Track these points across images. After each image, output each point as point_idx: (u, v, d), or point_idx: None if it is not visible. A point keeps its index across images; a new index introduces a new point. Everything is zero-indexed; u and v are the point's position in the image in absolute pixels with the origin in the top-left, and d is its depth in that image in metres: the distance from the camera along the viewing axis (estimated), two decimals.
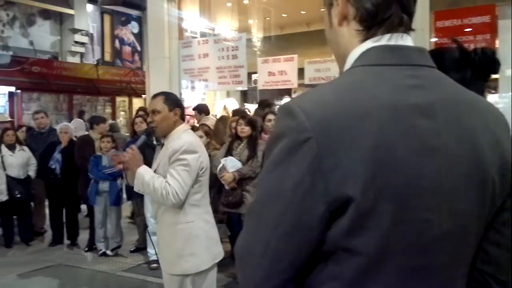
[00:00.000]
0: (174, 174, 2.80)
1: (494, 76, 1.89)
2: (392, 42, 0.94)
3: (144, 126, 5.77)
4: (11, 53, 12.85)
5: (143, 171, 2.87)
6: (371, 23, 0.95)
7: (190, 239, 2.88)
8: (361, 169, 0.82)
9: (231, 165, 4.92)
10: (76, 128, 7.58)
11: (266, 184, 0.89)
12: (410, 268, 0.88)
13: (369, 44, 0.95)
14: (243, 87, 7.09)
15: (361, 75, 0.92)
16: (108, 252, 6.12)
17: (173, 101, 2.98)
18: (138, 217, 6.23)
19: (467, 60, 1.56)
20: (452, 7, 4.85)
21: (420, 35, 4.73)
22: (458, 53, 1.59)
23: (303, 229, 0.85)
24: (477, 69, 1.54)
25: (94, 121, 6.72)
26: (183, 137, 2.91)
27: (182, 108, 3.05)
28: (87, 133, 7.19)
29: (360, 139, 0.83)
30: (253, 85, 8.11)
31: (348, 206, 0.82)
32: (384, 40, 0.94)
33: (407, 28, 0.96)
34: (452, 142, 0.89)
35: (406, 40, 0.95)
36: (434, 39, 4.86)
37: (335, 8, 1.00)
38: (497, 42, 4.66)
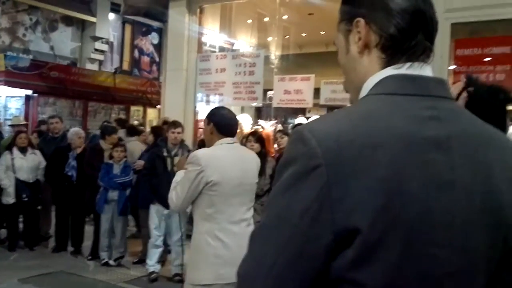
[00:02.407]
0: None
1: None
2: (411, 71, 0.92)
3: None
4: (31, 57, 13.03)
5: (178, 174, 3.08)
6: (395, 51, 0.93)
7: (197, 251, 2.91)
8: (371, 200, 0.79)
9: None
10: None
11: (273, 208, 0.87)
12: None
13: (388, 72, 0.93)
14: (258, 103, 7.09)
15: (377, 104, 0.90)
16: (111, 262, 6.08)
17: (211, 116, 3.07)
18: (144, 228, 6.20)
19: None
20: (473, 36, 4.81)
21: (439, 62, 4.70)
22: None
23: (308, 257, 0.82)
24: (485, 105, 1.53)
25: (106, 132, 6.69)
26: (203, 149, 3.05)
27: (217, 122, 3.01)
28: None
29: (371, 170, 0.80)
30: (268, 102, 8.11)
31: (355, 238, 0.79)
32: (404, 68, 0.92)
33: (427, 57, 0.95)
34: (467, 178, 0.86)
35: (425, 70, 0.93)
36: (452, 67, 4.81)
37: (354, 35, 0.98)
38: None
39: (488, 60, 4.62)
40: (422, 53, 0.94)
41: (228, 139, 3.01)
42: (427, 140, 0.85)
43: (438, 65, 4.69)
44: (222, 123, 3.02)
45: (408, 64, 0.92)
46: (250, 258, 0.88)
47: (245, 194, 3.00)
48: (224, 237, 2.87)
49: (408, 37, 0.92)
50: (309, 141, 0.83)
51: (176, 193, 2.91)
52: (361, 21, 0.96)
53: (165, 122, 7.07)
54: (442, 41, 4.72)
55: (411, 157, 0.83)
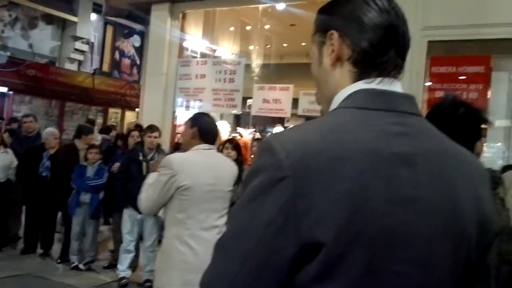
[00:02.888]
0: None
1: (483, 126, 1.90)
2: (381, 87, 0.92)
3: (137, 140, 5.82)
4: (8, 53, 12.81)
5: (151, 176, 3.05)
6: (367, 65, 0.94)
7: (165, 256, 2.90)
8: (336, 214, 0.79)
9: None
10: None
11: (238, 219, 0.87)
12: None
13: (359, 85, 0.93)
14: (237, 111, 7.08)
15: (346, 117, 0.90)
16: (81, 266, 5.97)
17: (196, 120, 3.06)
18: (118, 232, 6.11)
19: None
20: (449, 54, 4.90)
21: (415, 78, 4.77)
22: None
23: (271, 270, 0.82)
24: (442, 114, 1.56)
25: (83, 131, 6.58)
26: (178, 153, 3.05)
27: (201, 129, 3.00)
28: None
29: (337, 183, 0.80)
30: (247, 110, 8.12)
31: (318, 251, 0.79)
32: (374, 83, 0.93)
33: (398, 73, 0.96)
34: (431, 194, 0.87)
35: (395, 86, 0.94)
36: (428, 84, 4.90)
37: (328, 48, 0.98)
38: (489, 93, 4.70)
39: (463, 79, 4.70)
40: (393, 69, 0.94)
41: (205, 145, 3.01)
42: (394, 155, 0.85)
43: (414, 81, 4.76)
44: (206, 130, 3.03)
45: (379, 79, 0.93)
46: (213, 268, 0.88)
47: (217, 201, 2.98)
48: (194, 243, 2.84)
49: (380, 53, 0.93)
50: (277, 152, 0.82)
51: (146, 195, 2.89)
52: (335, 33, 0.97)
53: (138, 126, 7.05)
54: (419, 58, 4.79)
55: (377, 172, 0.83)
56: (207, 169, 2.93)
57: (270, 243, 0.81)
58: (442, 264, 0.88)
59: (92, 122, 10.22)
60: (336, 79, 0.97)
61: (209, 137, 3.05)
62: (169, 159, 2.88)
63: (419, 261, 0.85)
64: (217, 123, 8.31)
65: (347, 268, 0.80)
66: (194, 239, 2.85)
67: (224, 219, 3.04)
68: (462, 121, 1.71)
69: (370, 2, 0.96)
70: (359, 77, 0.94)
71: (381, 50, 0.93)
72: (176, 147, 3.51)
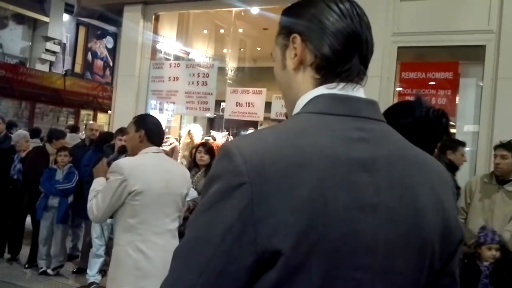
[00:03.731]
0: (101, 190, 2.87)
1: (452, 130, 1.93)
2: (344, 92, 0.91)
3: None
4: None
5: (96, 181, 2.99)
6: (329, 72, 0.93)
7: (117, 264, 2.81)
8: (294, 221, 0.77)
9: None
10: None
11: (195, 226, 0.84)
12: None
13: (321, 90, 0.92)
14: (210, 114, 7.06)
15: (306, 122, 0.88)
16: (49, 271, 5.83)
17: (142, 123, 2.99)
18: (87, 236, 6.01)
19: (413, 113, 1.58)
20: (418, 60, 4.99)
21: (386, 83, 4.84)
22: (410, 106, 1.61)
23: (229, 279, 0.79)
24: (417, 124, 1.56)
25: (54, 136, 6.40)
26: (127, 158, 2.94)
27: (149, 130, 2.96)
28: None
29: (296, 189, 0.79)
30: (220, 113, 8.09)
31: (277, 259, 0.78)
32: (337, 89, 0.91)
33: (361, 80, 0.94)
34: (392, 201, 0.86)
35: (358, 91, 0.93)
36: (398, 89, 4.97)
37: (291, 51, 0.97)
38: (457, 98, 4.80)
39: (432, 84, 4.79)
40: (356, 75, 0.93)
41: (154, 148, 2.96)
42: (354, 161, 0.84)
43: (385, 86, 4.83)
44: (154, 131, 2.99)
45: (342, 84, 0.92)
46: (171, 277, 0.85)
47: (169, 205, 2.92)
48: (146, 249, 2.78)
49: (343, 60, 0.92)
50: (235, 158, 0.81)
51: (96, 203, 2.79)
52: (298, 37, 0.95)
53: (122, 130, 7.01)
54: (389, 63, 4.87)
55: (337, 178, 0.82)
56: (157, 173, 2.88)
57: (227, 252, 0.79)
58: (405, 271, 0.87)
59: (75, 128, 10.01)
60: (299, 84, 0.96)
61: (158, 139, 3.03)
62: (119, 164, 2.80)
63: (380, 269, 0.84)
64: (190, 126, 8.25)
65: (306, 276, 0.79)
66: (146, 244, 2.78)
67: (177, 223, 3.00)
68: (445, 133, 1.72)
69: (333, 7, 0.94)
70: (321, 83, 0.93)
71: (344, 57, 0.92)
72: (122, 151, 3.42)
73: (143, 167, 2.84)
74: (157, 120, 3.13)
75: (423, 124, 1.61)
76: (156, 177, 2.86)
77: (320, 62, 0.93)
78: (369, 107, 0.92)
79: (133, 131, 2.97)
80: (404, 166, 0.90)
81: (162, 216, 2.86)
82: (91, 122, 6.40)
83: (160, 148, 3.06)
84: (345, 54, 0.92)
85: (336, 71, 0.92)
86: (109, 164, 3.05)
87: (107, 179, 2.91)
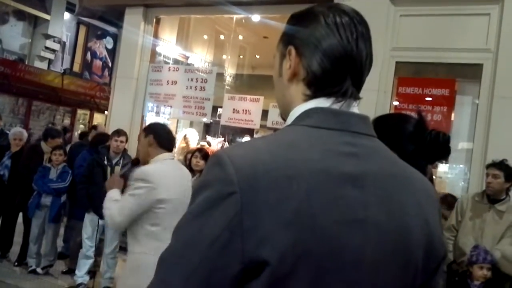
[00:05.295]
0: (121, 198, 2.86)
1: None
2: (336, 106, 0.91)
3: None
4: None
5: (111, 192, 2.98)
6: (318, 91, 0.93)
7: (138, 271, 2.75)
8: (282, 233, 0.78)
9: None
10: None
11: (183, 233, 0.84)
12: None
13: (313, 104, 0.92)
14: (207, 119, 7.08)
15: (298, 135, 0.89)
16: (39, 270, 5.80)
17: (149, 128, 3.04)
18: (77, 237, 5.98)
19: (419, 137, 1.58)
20: (416, 75, 5.02)
21: (383, 97, 4.88)
22: (413, 127, 1.61)
23: (214, 286, 0.79)
24: (425, 149, 1.56)
25: (49, 134, 6.35)
26: (151, 165, 2.92)
27: (157, 134, 2.97)
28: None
29: (285, 201, 0.79)
30: (217, 118, 8.10)
31: (263, 270, 0.78)
32: (329, 102, 0.92)
33: (354, 99, 0.94)
34: (380, 216, 0.86)
35: (351, 106, 0.93)
36: (395, 103, 5.00)
37: (287, 62, 0.97)
38: (453, 115, 4.83)
39: (428, 100, 4.82)
40: (350, 96, 0.93)
41: (169, 155, 2.99)
42: (343, 175, 0.85)
43: (382, 100, 4.86)
44: (163, 137, 3.01)
45: (336, 99, 0.92)
46: (156, 283, 0.85)
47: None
48: None
49: (332, 80, 0.92)
50: (227, 167, 0.81)
51: (120, 210, 2.79)
52: (293, 50, 0.96)
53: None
54: (387, 77, 4.90)
55: (326, 191, 0.82)
56: (178, 180, 2.93)
57: (214, 260, 0.79)
58: (389, 286, 0.88)
59: (65, 130, 10.10)
60: (291, 95, 0.97)
61: (169, 144, 3.04)
62: (147, 172, 2.82)
63: (366, 284, 0.84)
64: (186, 131, 8.24)
65: None
66: None
67: None
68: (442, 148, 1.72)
69: (331, 23, 0.94)
70: (310, 100, 0.94)
71: (334, 77, 0.92)
72: (136, 162, 3.43)
73: (168, 175, 2.88)
74: (166, 126, 3.19)
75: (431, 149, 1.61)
76: (177, 185, 2.90)
77: (310, 79, 0.93)
78: (361, 122, 0.93)
79: (143, 137, 3.01)
80: (393, 182, 0.91)
81: None
82: (97, 123, 6.43)
83: (172, 154, 3.08)
84: (336, 75, 0.92)
85: (325, 91, 0.92)
86: (122, 176, 3.10)
87: (122, 191, 2.96)
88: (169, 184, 2.83)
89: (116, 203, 2.84)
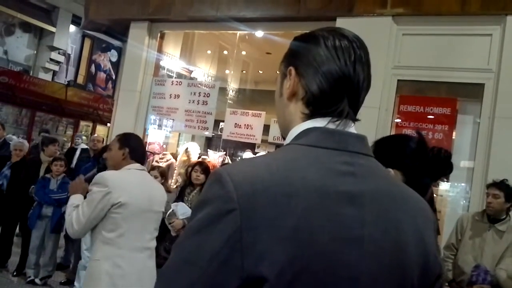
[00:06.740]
0: (80, 205, 2.82)
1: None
2: (332, 126, 0.94)
3: None
4: None
5: (73, 197, 2.95)
6: (316, 111, 0.96)
7: (92, 279, 2.73)
8: (280, 250, 0.79)
9: (182, 211, 4.80)
10: None
11: (183, 249, 0.86)
12: None
13: (311, 123, 0.95)
14: (209, 133, 7.10)
15: (297, 154, 0.91)
16: (37, 280, 5.79)
17: (126, 141, 3.02)
18: (77, 248, 5.97)
19: (422, 153, 1.59)
20: (417, 94, 5.04)
21: (384, 115, 4.89)
22: (415, 144, 1.63)
23: None
24: (428, 165, 1.57)
25: (43, 143, 6.41)
26: (111, 171, 2.93)
27: (132, 149, 3.00)
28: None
29: (283, 218, 0.81)
30: (219, 133, 8.12)
31: (262, 285, 0.79)
32: (325, 122, 0.94)
33: (351, 120, 0.97)
34: (377, 234, 0.88)
35: (348, 126, 0.95)
36: (397, 120, 5.02)
37: (287, 81, 1.00)
38: (454, 134, 4.84)
39: (429, 119, 4.84)
40: (346, 116, 0.95)
41: (138, 165, 3.00)
42: (341, 194, 0.87)
43: (383, 118, 4.88)
44: (138, 151, 3.05)
45: (334, 119, 0.94)
46: None
47: (150, 221, 2.93)
48: (124, 264, 2.72)
49: (330, 101, 0.95)
50: (227, 184, 0.83)
51: (77, 217, 2.74)
52: (293, 71, 0.99)
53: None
54: (388, 95, 4.92)
55: (323, 210, 0.84)
56: (142, 188, 2.90)
57: (213, 276, 0.80)
58: None
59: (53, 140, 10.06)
60: (291, 114, 1.00)
61: (141, 157, 3.07)
62: (103, 176, 2.80)
63: None
64: (187, 144, 8.24)
65: None
66: (124, 260, 2.72)
67: (155, 243, 2.99)
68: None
69: (330, 45, 0.97)
70: (309, 119, 0.96)
71: (332, 99, 0.95)
72: (102, 168, 3.43)
73: (128, 181, 2.86)
74: (141, 139, 3.23)
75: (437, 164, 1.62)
76: (140, 192, 2.87)
77: (309, 98, 0.96)
78: (358, 142, 0.95)
79: (117, 148, 2.99)
80: (389, 201, 0.93)
81: (142, 232, 2.85)
82: (95, 135, 6.45)
83: (144, 166, 3.09)
84: (333, 96, 0.95)
85: (322, 111, 0.95)
86: (86, 180, 3.08)
87: (85, 196, 2.91)
88: (127, 189, 2.80)
89: (75, 210, 2.79)
